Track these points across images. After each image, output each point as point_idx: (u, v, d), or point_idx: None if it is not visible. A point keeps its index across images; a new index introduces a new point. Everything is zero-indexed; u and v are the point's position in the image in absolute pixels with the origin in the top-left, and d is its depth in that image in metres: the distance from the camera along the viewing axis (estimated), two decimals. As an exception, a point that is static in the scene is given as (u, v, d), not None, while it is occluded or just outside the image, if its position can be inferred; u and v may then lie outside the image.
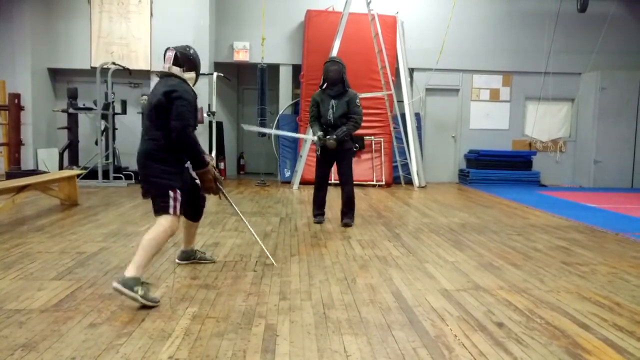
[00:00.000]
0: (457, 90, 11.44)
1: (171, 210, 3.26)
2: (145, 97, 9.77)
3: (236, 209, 4.07)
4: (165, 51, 3.55)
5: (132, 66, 9.83)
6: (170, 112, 3.27)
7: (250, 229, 4.25)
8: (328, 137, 5.54)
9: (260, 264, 4.07)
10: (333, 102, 5.62)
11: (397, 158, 10.35)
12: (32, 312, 2.90)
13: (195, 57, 3.62)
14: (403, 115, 10.30)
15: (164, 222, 3.25)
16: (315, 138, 5.64)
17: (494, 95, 11.50)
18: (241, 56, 10.80)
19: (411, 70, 10.97)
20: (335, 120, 5.61)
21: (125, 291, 2.98)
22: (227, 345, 2.53)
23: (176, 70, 3.47)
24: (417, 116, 10.88)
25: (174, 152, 3.33)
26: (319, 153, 5.75)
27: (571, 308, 3.20)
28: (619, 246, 5.09)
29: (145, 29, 10.07)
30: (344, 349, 2.52)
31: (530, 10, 11.18)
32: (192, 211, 3.81)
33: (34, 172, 8.75)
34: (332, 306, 3.13)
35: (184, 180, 3.46)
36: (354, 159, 10.42)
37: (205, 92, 10.18)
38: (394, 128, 10.27)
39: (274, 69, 10.69)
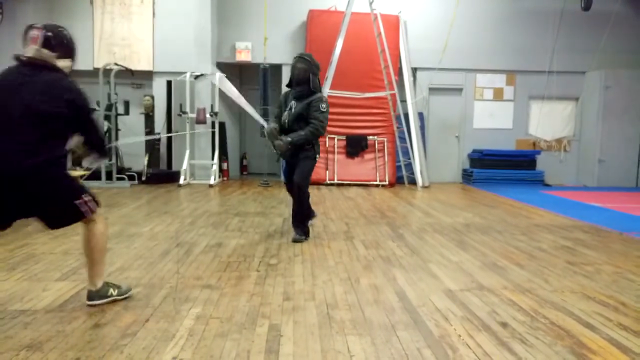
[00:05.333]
0: (461, 89, 11.42)
1: (91, 212, 2.92)
2: (148, 98, 9.81)
3: None
4: (28, 29, 2.77)
5: (135, 67, 9.85)
6: (70, 123, 2.75)
7: None
8: (282, 136, 4.80)
9: (264, 264, 4.07)
10: (293, 102, 4.93)
11: (401, 158, 10.33)
12: (37, 313, 2.91)
13: (73, 42, 2.92)
14: (406, 115, 10.29)
15: (93, 226, 2.99)
16: (265, 125, 4.92)
17: (498, 95, 11.47)
18: (243, 56, 10.81)
19: (414, 70, 10.95)
20: (290, 123, 4.88)
21: (104, 302, 3.04)
22: (230, 346, 2.53)
23: (47, 55, 2.72)
24: (421, 116, 10.86)
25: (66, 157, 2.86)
26: (275, 151, 5.01)
27: (576, 308, 3.18)
28: (623, 246, 5.06)
29: (148, 29, 10.10)
30: (347, 350, 2.51)
31: (534, 9, 11.14)
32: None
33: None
34: (335, 306, 3.12)
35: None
36: (356, 160, 10.63)
37: (207, 92, 10.21)
38: (397, 128, 10.26)
39: (276, 69, 10.69)
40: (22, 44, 2.78)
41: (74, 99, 2.76)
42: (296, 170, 4.92)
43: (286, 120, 4.93)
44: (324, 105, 4.89)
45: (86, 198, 2.88)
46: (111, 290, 3.10)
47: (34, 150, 2.62)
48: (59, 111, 2.68)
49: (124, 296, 3.15)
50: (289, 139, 4.77)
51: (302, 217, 5.03)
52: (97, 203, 2.98)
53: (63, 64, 2.80)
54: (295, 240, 4.89)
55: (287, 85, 5.13)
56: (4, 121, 2.63)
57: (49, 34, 2.73)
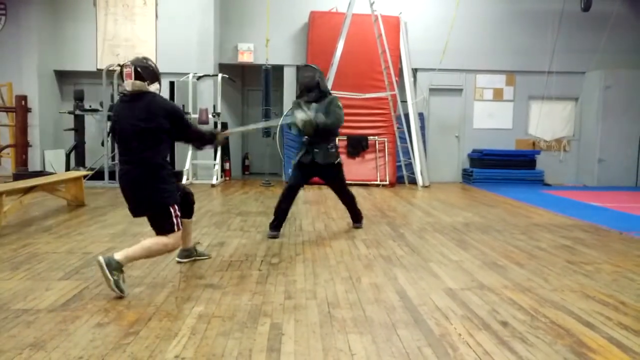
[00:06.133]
0: (461, 90, 11.43)
1: (176, 228, 3.48)
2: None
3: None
4: (122, 68, 3.49)
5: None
6: (171, 131, 3.47)
7: None
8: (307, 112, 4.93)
9: (266, 264, 4.09)
10: (314, 105, 5.08)
11: (401, 158, 10.35)
12: (40, 312, 2.93)
13: (156, 68, 3.57)
14: (407, 115, 10.31)
15: (169, 240, 3.46)
16: (303, 115, 4.87)
17: (498, 95, 11.48)
18: (245, 57, 10.83)
19: (414, 71, 10.97)
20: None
21: (105, 270, 3.15)
22: (233, 344, 2.55)
23: (141, 85, 3.42)
24: (421, 116, 10.88)
25: (168, 169, 3.52)
26: (298, 132, 5.15)
27: (576, 307, 3.20)
28: (623, 245, 5.08)
29: (151, 31, 10.14)
30: (349, 348, 2.53)
31: (533, 10, 11.16)
32: (184, 209, 3.81)
33: (41, 173, 8.81)
34: (337, 305, 3.15)
35: (177, 190, 3.65)
36: (357, 160, 10.63)
37: (210, 93, 10.24)
38: (398, 128, 10.28)
39: (278, 70, 10.72)
40: (120, 80, 3.49)
41: (170, 112, 3.50)
42: (331, 182, 5.43)
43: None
44: (340, 104, 5.26)
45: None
46: (116, 274, 3.18)
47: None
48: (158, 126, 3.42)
49: (115, 290, 3.17)
50: (313, 112, 4.91)
51: (353, 211, 5.66)
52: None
53: (154, 87, 3.49)
54: (359, 227, 5.66)
55: (298, 97, 5.41)
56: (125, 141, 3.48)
57: (138, 68, 3.40)
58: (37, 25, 9.85)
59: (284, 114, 9.49)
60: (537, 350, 2.55)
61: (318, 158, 5.14)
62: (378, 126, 10.31)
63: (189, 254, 4.09)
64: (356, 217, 5.70)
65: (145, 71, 3.42)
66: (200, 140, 3.93)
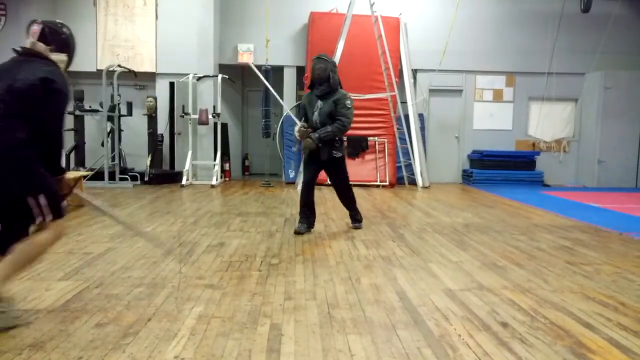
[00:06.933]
0: (461, 90, 11.44)
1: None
2: (151, 99, 9.84)
3: (114, 217, 3.46)
4: (30, 24, 2.90)
5: (138, 68, 9.89)
6: (44, 107, 2.68)
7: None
8: (310, 134, 5.15)
9: (266, 264, 4.09)
10: (319, 102, 5.20)
11: (401, 159, 10.36)
12: (40, 312, 2.93)
13: (70, 38, 2.99)
14: (407, 116, 10.32)
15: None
16: (298, 126, 5.22)
17: (498, 96, 11.49)
18: (245, 58, 10.84)
19: (414, 71, 10.98)
20: (320, 123, 5.17)
21: None
22: (232, 345, 2.55)
23: (42, 47, 2.83)
24: (421, 117, 10.89)
25: (35, 151, 2.70)
26: (304, 154, 5.45)
27: (575, 308, 3.20)
28: (623, 246, 5.08)
29: (151, 31, 10.14)
30: (348, 349, 2.53)
31: (533, 11, 11.17)
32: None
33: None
34: (336, 306, 3.14)
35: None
36: (357, 160, 10.62)
37: (210, 94, 10.25)
38: (398, 129, 10.28)
39: (278, 70, 10.72)
40: (24, 39, 2.88)
41: (47, 79, 2.71)
42: (336, 179, 5.46)
43: (317, 121, 5.19)
44: (348, 102, 5.20)
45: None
46: None
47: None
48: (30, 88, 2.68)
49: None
50: (317, 134, 5.11)
51: (352, 210, 5.66)
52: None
53: (57, 57, 2.87)
54: (357, 227, 5.63)
55: (309, 87, 5.40)
56: None
57: (46, 28, 2.85)
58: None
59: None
60: (536, 351, 2.55)
61: (322, 155, 5.22)
62: (378, 127, 10.32)
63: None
64: (355, 217, 5.72)
65: (53, 34, 2.88)
66: None
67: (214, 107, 10.08)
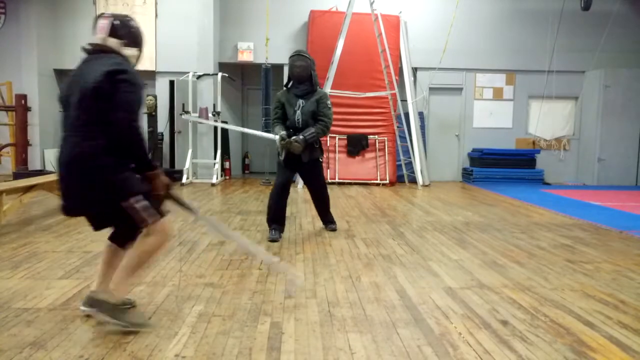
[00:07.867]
0: (461, 89, 11.43)
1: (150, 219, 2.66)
2: (151, 98, 9.83)
3: (198, 215, 3.25)
4: (98, 18, 2.74)
5: (137, 67, 9.85)
6: (112, 99, 2.52)
7: (240, 241, 3.55)
8: (294, 138, 4.80)
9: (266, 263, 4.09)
10: (301, 101, 4.93)
11: (401, 157, 10.36)
12: (40, 311, 2.93)
13: (139, 32, 2.84)
14: (407, 114, 10.32)
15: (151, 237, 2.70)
16: (278, 137, 4.84)
17: (498, 94, 11.48)
18: (245, 56, 10.83)
19: (414, 70, 10.97)
20: (303, 122, 4.92)
21: (110, 321, 2.64)
22: (233, 343, 2.55)
23: (114, 43, 2.69)
24: (421, 115, 10.88)
25: (117, 154, 2.59)
26: (281, 158, 5.01)
27: (576, 306, 3.20)
28: (623, 244, 5.08)
29: (150, 29, 10.12)
30: (349, 347, 2.54)
31: (533, 9, 11.16)
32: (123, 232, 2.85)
33: (41, 172, 8.80)
34: (337, 304, 3.15)
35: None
36: (357, 159, 10.63)
37: (210, 92, 10.25)
38: (398, 127, 10.28)
39: (278, 69, 10.72)
40: (92, 34, 2.72)
41: (113, 71, 2.55)
42: (314, 180, 5.27)
43: (299, 120, 4.95)
44: (329, 102, 5.05)
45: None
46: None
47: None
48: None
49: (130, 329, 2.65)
50: (302, 137, 4.84)
51: (328, 212, 5.49)
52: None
53: (129, 52, 2.76)
54: (333, 229, 5.43)
55: (286, 85, 5.12)
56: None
57: (117, 22, 2.70)
58: (37, 24, 9.84)
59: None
60: (537, 349, 2.55)
61: (303, 157, 4.96)
62: (378, 125, 10.32)
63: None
64: (328, 219, 5.49)
65: (124, 29, 2.74)
66: None
67: (214, 106, 10.08)
